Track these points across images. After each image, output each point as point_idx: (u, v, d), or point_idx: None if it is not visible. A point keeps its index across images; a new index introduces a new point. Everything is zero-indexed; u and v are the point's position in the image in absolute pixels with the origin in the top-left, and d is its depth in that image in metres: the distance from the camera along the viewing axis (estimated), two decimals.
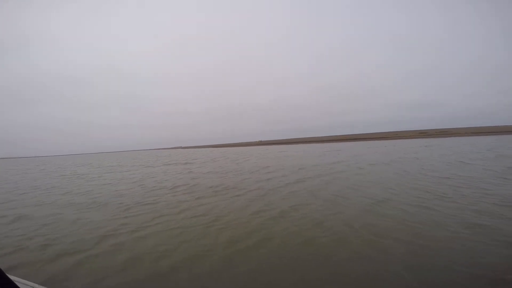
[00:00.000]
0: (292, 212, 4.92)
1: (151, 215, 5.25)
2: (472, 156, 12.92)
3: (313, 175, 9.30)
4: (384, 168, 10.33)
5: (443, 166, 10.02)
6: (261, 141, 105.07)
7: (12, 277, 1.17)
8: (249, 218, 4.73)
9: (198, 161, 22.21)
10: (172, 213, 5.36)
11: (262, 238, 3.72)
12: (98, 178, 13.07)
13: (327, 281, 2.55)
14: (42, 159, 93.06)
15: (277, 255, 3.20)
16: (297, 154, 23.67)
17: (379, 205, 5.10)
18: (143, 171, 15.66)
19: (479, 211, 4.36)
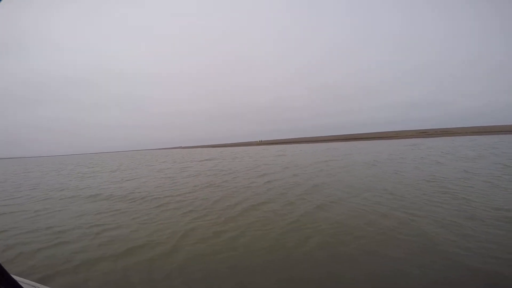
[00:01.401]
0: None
1: None
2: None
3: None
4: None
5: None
6: (261, 140, 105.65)
7: (15, 277, 1.18)
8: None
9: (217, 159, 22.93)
10: None
11: None
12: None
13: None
14: (47, 159, 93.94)
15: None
16: (303, 154, 24.31)
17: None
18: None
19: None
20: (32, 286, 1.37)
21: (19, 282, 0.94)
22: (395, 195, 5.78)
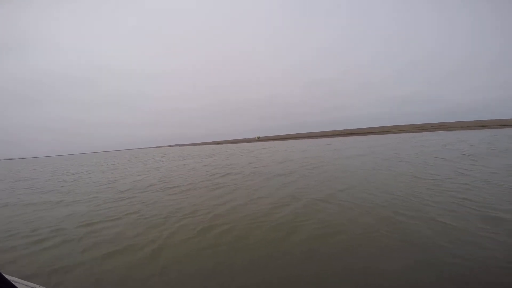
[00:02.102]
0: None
1: None
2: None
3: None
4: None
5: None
6: (259, 137, 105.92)
7: (10, 277, 1.15)
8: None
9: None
10: None
11: None
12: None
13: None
14: (46, 159, 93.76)
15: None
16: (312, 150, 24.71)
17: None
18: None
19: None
20: (31, 287, 1.35)
21: (14, 283, 0.91)
22: (361, 189, 6.22)
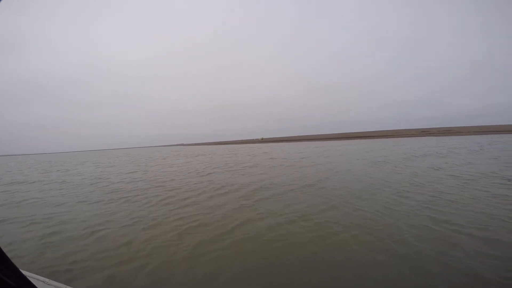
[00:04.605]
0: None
1: None
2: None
3: None
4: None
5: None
6: (263, 138, 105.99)
7: (25, 272, 1.17)
8: None
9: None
10: None
11: None
12: None
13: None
14: (44, 156, 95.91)
15: None
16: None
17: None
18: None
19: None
20: (42, 281, 1.39)
21: (28, 278, 0.92)
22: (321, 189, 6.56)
